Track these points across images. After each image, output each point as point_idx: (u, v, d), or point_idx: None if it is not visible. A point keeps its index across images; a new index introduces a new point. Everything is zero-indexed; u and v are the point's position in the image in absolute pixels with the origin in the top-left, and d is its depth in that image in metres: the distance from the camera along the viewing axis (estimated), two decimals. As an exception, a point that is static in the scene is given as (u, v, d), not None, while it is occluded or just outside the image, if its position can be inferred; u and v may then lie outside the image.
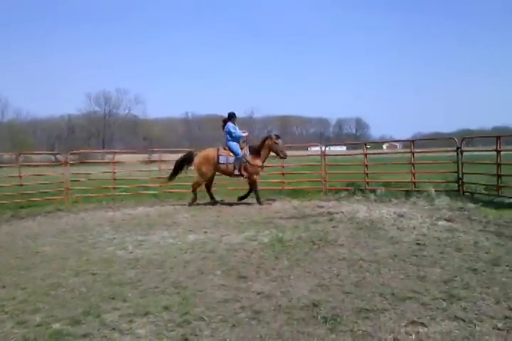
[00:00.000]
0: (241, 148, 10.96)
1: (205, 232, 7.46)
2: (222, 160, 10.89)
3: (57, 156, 18.77)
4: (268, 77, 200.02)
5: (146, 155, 25.50)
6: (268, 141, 10.93)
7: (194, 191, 11.33)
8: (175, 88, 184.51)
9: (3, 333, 3.53)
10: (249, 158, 10.89)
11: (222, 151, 11.00)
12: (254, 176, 10.91)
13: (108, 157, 22.32)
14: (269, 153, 11.05)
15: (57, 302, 4.22)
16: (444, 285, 4.30)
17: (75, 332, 3.51)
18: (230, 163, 10.86)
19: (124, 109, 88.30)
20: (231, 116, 11.19)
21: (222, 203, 11.33)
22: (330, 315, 3.65)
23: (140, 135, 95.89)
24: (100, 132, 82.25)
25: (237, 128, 11.11)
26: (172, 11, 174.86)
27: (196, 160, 11.13)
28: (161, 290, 4.47)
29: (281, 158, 11.27)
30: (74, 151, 16.39)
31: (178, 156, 11.91)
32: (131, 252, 6.21)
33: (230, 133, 10.96)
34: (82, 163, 18.18)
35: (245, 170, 10.84)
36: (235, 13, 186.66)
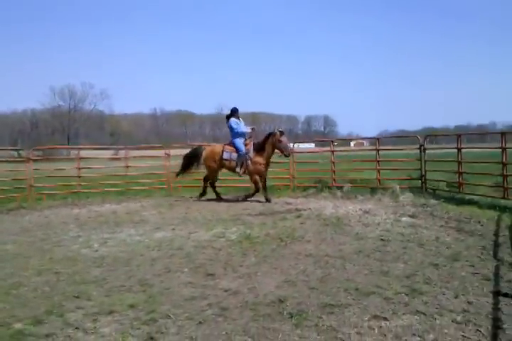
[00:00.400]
0: (246, 145, 10.72)
1: (173, 229, 7.41)
2: (225, 156, 10.77)
3: (20, 152, 18.25)
4: (238, 74, 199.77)
5: (113, 151, 25.07)
6: (272, 138, 10.45)
7: (204, 185, 11.39)
8: (143, 83, 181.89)
9: (-38, 335, 3.42)
10: (252, 155, 10.59)
11: (227, 147, 10.86)
12: (255, 174, 10.60)
13: (73, 153, 21.81)
14: (273, 151, 10.56)
15: (19, 301, 4.12)
16: (406, 280, 4.43)
17: (37, 331, 3.43)
18: (233, 160, 10.71)
19: (89, 104, 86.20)
20: (233, 112, 10.91)
21: (194, 200, 11.29)
22: (295, 310, 3.70)
23: (107, 130, 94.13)
24: (65, 127, 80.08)
25: (240, 123, 10.87)
26: (141, 4, 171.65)
27: (203, 154, 11.12)
28: (126, 289, 4.42)
29: (285, 156, 10.59)
30: (37, 147, 15.95)
31: (145, 153, 11.78)
32: (96, 250, 6.11)
33: (231, 129, 10.79)
34: (46, 159, 17.73)
35: (247, 167, 10.60)
36: (206, 8, 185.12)
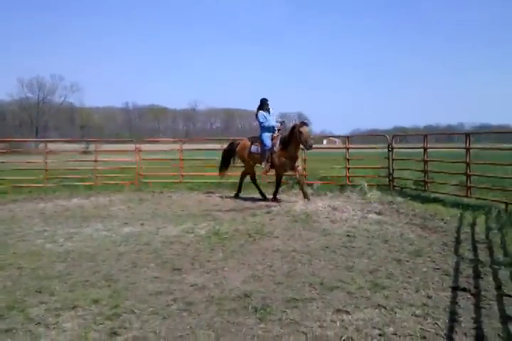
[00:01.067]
0: (273, 139, 10.01)
1: (142, 224, 7.35)
2: (253, 149, 10.33)
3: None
4: (213, 70, 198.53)
5: (83, 145, 24.58)
6: (295, 130, 9.43)
7: (240, 180, 10.93)
8: (116, 77, 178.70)
9: None
10: (277, 149, 9.81)
11: (256, 141, 10.42)
12: (279, 169, 9.96)
13: (42, 146, 21.29)
14: (298, 144, 9.49)
15: (-21, 297, 4.02)
16: (369, 275, 4.54)
17: (-4, 327, 3.37)
18: (259, 154, 10.20)
19: (59, 97, 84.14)
20: (262, 103, 10.10)
21: (162, 196, 11.21)
22: (260, 305, 3.74)
23: (77, 124, 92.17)
24: (33, 120, 77.96)
25: (269, 116, 10.06)
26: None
27: (237, 148, 10.80)
28: (91, 284, 4.37)
29: (306, 149, 9.69)
30: (3, 139, 15.50)
31: (116, 147, 11.59)
32: (61, 245, 6.00)
33: (259, 123, 10.10)
34: (12, 152, 17.27)
35: (272, 162, 9.95)
36: (179, 3, 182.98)
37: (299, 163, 9.97)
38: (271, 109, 10.17)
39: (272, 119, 10.12)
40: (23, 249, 5.77)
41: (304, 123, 9.46)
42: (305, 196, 9.49)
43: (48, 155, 13.21)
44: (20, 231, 6.96)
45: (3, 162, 12.79)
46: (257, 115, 10.13)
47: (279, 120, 10.56)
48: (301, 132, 9.24)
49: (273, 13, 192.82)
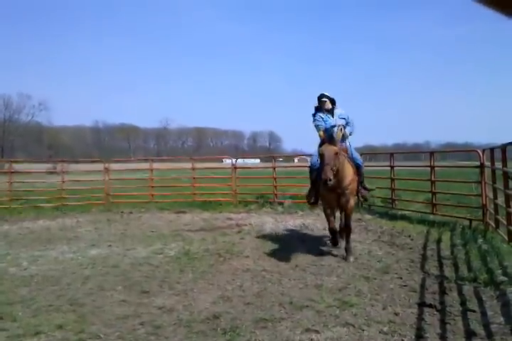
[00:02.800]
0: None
1: (109, 246, 7.22)
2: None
3: None
4: (183, 89, 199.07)
5: (50, 165, 24.04)
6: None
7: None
8: (84, 95, 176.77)
9: None
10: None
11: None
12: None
13: (7, 166, 20.72)
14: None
15: None
16: (338, 293, 4.57)
17: (-48, 357, 3.22)
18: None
19: (26, 116, 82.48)
20: (320, 101, 6.64)
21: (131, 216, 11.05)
22: (229, 326, 3.71)
23: (45, 143, 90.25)
24: (-1, 139, 76.00)
25: (330, 119, 6.55)
26: (81, 13, 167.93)
27: None
28: (55, 308, 4.25)
29: None
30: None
31: (84, 167, 11.42)
32: (25, 269, 5.82)
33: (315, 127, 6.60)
34: (-25, 172, 16.77)
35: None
36: (150, 19, 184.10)
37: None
38: (337, 109, 6.63)
39: (331, 121, 6.51)
40: (-16, 274, 5.57)
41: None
42: (347, 253, 6.17)
43: (13, 175, 12.88)
44: (-19, 255, 6.72)
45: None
46: (314, 118, 6.67)
47: (340, 124, 6.37)
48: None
49: (240, 32, 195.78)
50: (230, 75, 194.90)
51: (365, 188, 6.97)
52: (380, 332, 3.58)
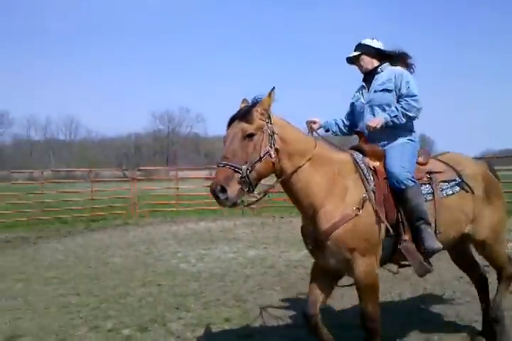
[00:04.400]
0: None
1: (265, 248, 7.59)
2: None
3: (125, 172, 19.81)
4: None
5: (207, 172, 26.13)
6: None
7: None
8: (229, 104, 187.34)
9: (79, 337, 3.80)
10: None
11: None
12: None
13: (172, 173, 23.16)
14: None
15: (126, 310, 4.48)
16: None
17: (143, 338, 3.71)
18: None
19: (186, 127, 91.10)
20: (350, 58, 3.23)
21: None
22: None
23: (201, 152, 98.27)
24: (164, 150, 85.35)
25: (362, 94, 3.24)
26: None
27: None
28: (222, 303, 4.63)
29: None
30: (141, 168, 17.20)
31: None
32: (194, 265, 6.46)
33: None
34: (148, 179, 19.05)
35: None
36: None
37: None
38: (383, 72, 3.13)
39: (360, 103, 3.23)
40: (161, 268, 6.33)
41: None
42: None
43: (179, 182, 14.35)
44: (157, 251, 7.64)
45: (143, 189, 14.17)
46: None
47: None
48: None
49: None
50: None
51: (428, 250, 2.77)
52: None
